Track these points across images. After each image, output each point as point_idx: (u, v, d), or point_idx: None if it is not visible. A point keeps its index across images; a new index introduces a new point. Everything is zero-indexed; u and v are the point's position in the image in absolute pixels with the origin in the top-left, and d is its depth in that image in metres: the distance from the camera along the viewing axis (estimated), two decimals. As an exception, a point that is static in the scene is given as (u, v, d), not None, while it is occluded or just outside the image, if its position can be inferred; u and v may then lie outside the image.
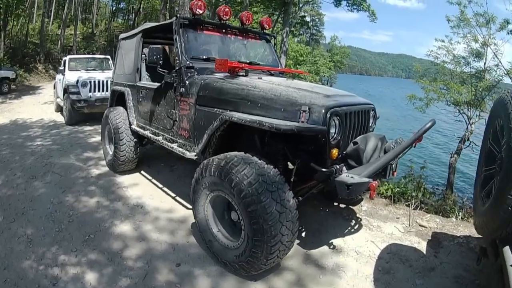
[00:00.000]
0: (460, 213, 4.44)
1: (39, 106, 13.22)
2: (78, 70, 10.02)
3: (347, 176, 2.42)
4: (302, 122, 2.36)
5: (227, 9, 3.76)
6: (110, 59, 11.41)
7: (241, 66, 3.31)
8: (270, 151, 2.96)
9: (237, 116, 2.62)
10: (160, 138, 3.93)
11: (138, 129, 4.50)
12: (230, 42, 4.19)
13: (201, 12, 3.56)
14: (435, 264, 3.11)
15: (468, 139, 10.56)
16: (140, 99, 4.38)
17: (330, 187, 2.59)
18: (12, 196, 4.69)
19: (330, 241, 3.40)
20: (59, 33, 27.27)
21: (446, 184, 12.14)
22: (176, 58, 3.43)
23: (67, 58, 10.80)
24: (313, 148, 2.66)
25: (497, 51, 10.95)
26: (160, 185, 4.89)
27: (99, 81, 8.66)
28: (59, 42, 26.68)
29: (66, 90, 8.77)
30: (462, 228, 3.93)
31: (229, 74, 3.25)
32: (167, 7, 27.08)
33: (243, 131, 2.96)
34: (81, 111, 8.64)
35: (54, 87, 11.76)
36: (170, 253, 3.26)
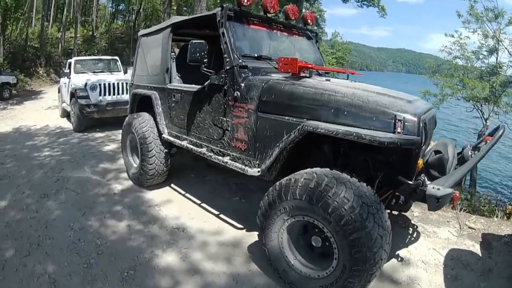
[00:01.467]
0: (500, 212, 4.80)
1: (43, 112, 12.79)
2: (85, 73, 9.77)
3: (433, 188, 2.31)
4: (399, 133, 2.23)
5: (273, 2, 3.48)
6: (118, 60, 11.10)
7: (309, 66, 3.09)
8: (346, 164, 2.80)
9: (324, 126, 2.40)
10: (204, 150, 3.59)
11: (171, 138, 4.14)
12: (277, 38, 3.96)
13: (249, 3, 3.33)
14: (491, 266, 3.18)
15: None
16: (173, 104, 4.04)
17: (415, 199, 2.60)
18: (23, 221, 4.04)
19: (397, 253, 3.30)
20: (59, 36, 28.32)
21: (470, 181, 11.89)
22: (225, 56, 3.15)
23: (72, 60, 10.43)
24: (399, 159, 2.54)
25: (508, 46, 11.32)
26: (197, 201, 4.41)
27: (109, 84, 8.34)
28: (60, 45, 27.64)
29: (73, 95, 8.44)
30: (505, 227, 4.03)
31: (291, 75, 3.02)
32: (172, 4, 26.71)
33: (314, 142, 2.79)
34: (90, 116, 8.40)
35: (59, 91, 11.38)
36: (233, 286, 2.81)
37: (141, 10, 36.46)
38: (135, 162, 4.85)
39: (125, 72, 10.32)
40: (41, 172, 5.79)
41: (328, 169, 2.42)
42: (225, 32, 3.17)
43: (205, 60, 3.15)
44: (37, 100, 16.73)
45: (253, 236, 3.39)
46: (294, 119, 2.63)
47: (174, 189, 4.80)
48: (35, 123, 10.32)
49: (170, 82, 4.17)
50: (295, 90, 2.71)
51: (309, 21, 4.13)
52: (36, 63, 24.56)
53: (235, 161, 3.17)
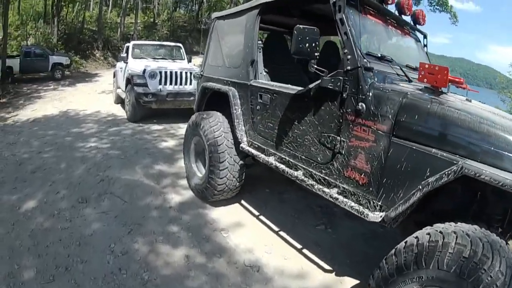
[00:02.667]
0: None
1: (95, 96, 13.36)
2: (144, 58, 10.18)
3: None
4: None
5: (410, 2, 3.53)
6: (182, 47, 11.41)
7: (460, 80, 2.83)
8: (481, 212, 2.65)
9: (489, 173, 2.16)
10: (299, 174, 3.31)
11: (253, 150, 3.94)
12: (392, 35, 3.82)
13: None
14: None
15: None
16: (259, 107, 3.88)
17: None
18: (52, 232, 3.76)
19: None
20: (119, 21, 31.66)
21: None
22: (345, 51, 2.92)
23: (130, 44, 10.86)
24: None
25: None
26: (275, 227, 4.09)
27: (171, 72, 8.65)
28: (119, 29, 31.00)
29: (129, 81, 8.76)
30: None
31: (428, 89, 2.83)
32: None
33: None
34: (147, 106, 8.57)
35: (114, 76, 11.99)
36: None
37: (204, 0, 40.73)
38: (199, 170, 4.73)
39: (189, 61, 10.77)
40: (83, 167, 5.61)
41: (478, 229, 2.26)
42: (344, 19, 2.95)
43: (316, 54, 2.96)
44: (91, 83, 17.71)
45: (345, 284, 3.20)
46: (445, 154, 2.39)
47: (245, 208, 4.51)
48: (85, 107, 10.65)
49: (256, 78, 4.00)
50: (447, 114, 2.45)
51: (421, 20, 4.02)
52: (93, 45, 27.06)
53: (347, 197, 2.89)
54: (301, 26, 2.91)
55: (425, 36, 4.34)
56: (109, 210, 4.23)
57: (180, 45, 11.52)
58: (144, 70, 8.47)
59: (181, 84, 8.70)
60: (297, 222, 4.23)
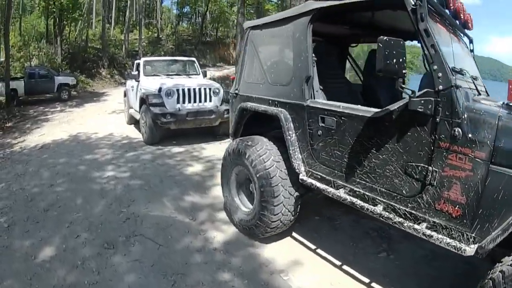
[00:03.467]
0: None
1: (106, 116, 12.89)
2: (157, 75, 9.75)
3: None
4: None
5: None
6: (196, 61, 10.92)
7: None
8: None
9: None
10: (379, 209, 3.01)
11: (315, 182, 3.57)
12: (452, 43, 3.49)
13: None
14: None
15: None
16: (321, 132, 3.55)
17: None
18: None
19: None
20: (123, 38, 32.04)
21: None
22: (434, 68, 2.66)
23: (141, 60, 10.36)
24: None
25: None
26: (336, 261, 3.74)
27: (189, 89, 8.22)
28: (123, 46, 31.23)
29: (144, 101, 8.38)
30: None
31: (508, 106, 2.67)
32: (245, 4, 27.38)
33: None
34: (166, 127, 8.07)
35: (125, 95, 11.50)
36: None
37: (207, 12, 41.72)
38: (244, 204, 4.30)
39: (204, 76, 10.36)
40: (103, 203, 5.00)
41: None
42: (429, 29, 2.70)
43: (404, 72, 2.68)
44: (100, 102, 17.31)
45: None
46: None
47: (299, 241, 4.08)
48: (97, 130, 10.12)
49: (312, 97, 3.65)
50: None
51: (470, 24, 3.81)
52: (98, 64, 26.98)
53: (437, 231, 2.71)
54: (385, 37, 2.62)
55: (471, 41, 4.13)
56: (143, 257, 3.61)
57: (194, 59, 11.00)
58: (160, 89, 8.08)
59: (200, 101, 8.26)
60: (357, 251, 3.90)
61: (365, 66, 5.00)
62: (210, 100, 8.28)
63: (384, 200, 3.02)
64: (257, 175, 3.76)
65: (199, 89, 8.22)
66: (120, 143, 8.42)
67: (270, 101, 4.01)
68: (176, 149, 7.79)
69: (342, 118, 3.28)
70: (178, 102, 7.99)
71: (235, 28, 47.61)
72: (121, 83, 25.38)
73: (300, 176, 3.63)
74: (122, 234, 4.10)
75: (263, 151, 3.80)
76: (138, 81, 9.44)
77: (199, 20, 45.98)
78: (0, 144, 9.87)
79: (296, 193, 3.78)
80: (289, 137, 3.69)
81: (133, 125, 10.59)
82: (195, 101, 8.17)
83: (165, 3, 52.64)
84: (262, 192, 3.74)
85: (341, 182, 3.37)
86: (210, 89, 8.30)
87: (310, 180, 3.56)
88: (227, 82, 15.98)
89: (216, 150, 7.67)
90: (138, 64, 10.18)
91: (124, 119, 11.48)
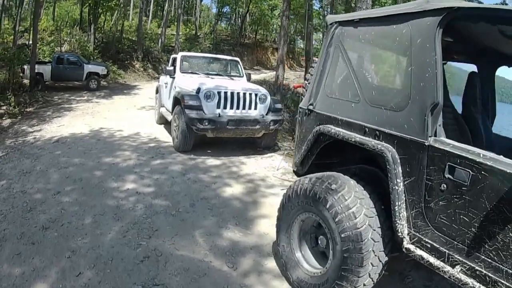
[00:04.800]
0: None
1: (134, 112, 11.98)
2: (195, 74, 8.80)
3: None
4: None
5: None
6: (240, 62, 9.86)
7: None
8: None
9: None
10: None
11: (422, 253, 2.77)
12: None
13: None
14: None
15: None
16: (445, 186, 2.65)
17: None
18: None
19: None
20: (159, 32, 32.21)
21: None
22: None
23: (178, 55, 9.33)
24: None
25: None
26: None
27: (232, 93, 7.20)
28: (159, 40, 31.00)
29: (178, 101, 7.44)
30: None
31: None
32: (291, 7, 27.00)
33: None
34: (201, 133, 7.02)
35: (157, 91, 10.54)
36: None
37: (247, 14, 41.76)
38: (308, 261, 3.39)
39: (248, 79, 9.36)
40: (117, 228, 3.96)
41: None
42: None
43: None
44: (129, 96, 16.53)
45: None
46: None
47: None
48: (122, 127, 9.17)
49: (436, 134, 2.84)
50: None
51: None
52: (132, 56, 26.59)
53: None
54: None
55: None
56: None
57: (238, 59, 9.94)
58: (199, 89, 7.05)
59: (244, 108, 7.19)
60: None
61: (465, 91, 4.13)
62: (255, 108, 7.22)
63: (509, 285, 2.46)
64: (342, 235, 2.92)
65: (244, 94, 7.18)
66: (146, 146, 7.39)
67: (366, 130, 3.12)
68: (211, 161, 6.71)
69: (482, 172, 2.52)
70: (218, 106, 6.99)
71: (275, 32, 47.76)
72: (154, 77, 24.89)
73: (405, 244, 2.84)
74: (137, 281, 3.08)
75: (352, 202, 2.93)
76: (173, 78, 8.55)
77: (238, 21, 46.26)
78: (14, 132, 9.15)
79: (385, 259, 2.99)
80: (396, 187, 2.84)
81: (163, 125, 9.64)
82: (237, 108, 7.14)
83: (205, 1, 53.62)
84: (346, 258, 2.92)
85: (458, 257, 2.69)
86: (256, 94, 7.25)
87: (419, 252, 2.76)
88: (264, 86, 14.95)
89: (258, 167, 6.56)
90: (175, 59, 9.22)
91: (154, 117, 10.56)
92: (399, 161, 2.90)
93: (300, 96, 4.24)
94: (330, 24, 3.66)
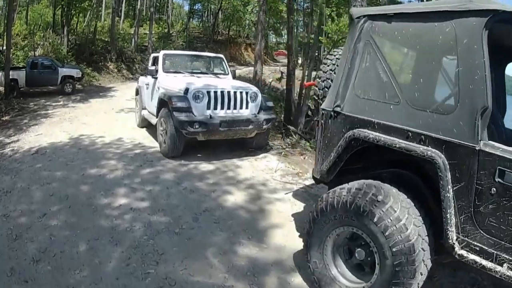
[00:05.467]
0: None
1: (113, 115, 11.26)
2: (179, 73, 8.17)
3: None
4: None
5: None
6: (224, 59, 9.24)
7: None
8: None
9: None
10: None
11: (472, 256, 2.68)
12: None
13: None
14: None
15: None
16: (495, 190, 2.60)
17: None
18: None
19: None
20: (132, 32, 31.73)
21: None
22: None
23: (160, 53, 8.59)
24: None
25: None
26: None
27: (222, 93, 6.65)
28: (132, 40, 30.57)
29: (164, 103, 6.86)
30: None
31: None
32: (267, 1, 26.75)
33: None
34: (192, 137, 6.47)
35: (137, 93, 9.77)
36: None
37: (220, 10, 41.55)
38: (345, 276, 3.12)
39: (234, 76, 8.75)
40: (117, 255, 3.43)
41: None
42: None
43: None
44: (106, 98, 15.76)
45: None
46: None
47: None
48: (103, 132, 8.49)
49: (485, 138, 2.72)
50: None
51: None
52: (105, 57, 25.77)
53: None
54: None
55: None
56: None
57: (222, 56, 9.31)
58: (187, 90, 6.46)
59: (235, 108, 6.66)
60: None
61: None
62: (247, 107, 6.71)
63: None
64: (393, 249, 2.72)
65: (235, 93, 6.64)
66: (131, 153, 6.78)
67: (410, 134, 2.88)
68: (205, 166, 6.17)
69: None
70: (208, 107, 6.44)
71: (247, 27, 47.32)
72: (128, 78, 24.30)
73: (457, 250, 2.74)
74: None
75: (401, 213, 2.72)
76: (156, 78, 7.84)
77: (210, 18, 45.94)
78: (-9, 143, 8.37)
79: (430, 266, 2.91)
80: (448, 194, 2.71)
81: (145, 128, 9.01)
82: (228, 108, 6.60)
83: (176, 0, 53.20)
84: (397, 271, 2.76)
85: (506, 256, 2.70)
86: (247, 93, 6.74)
87: (471, 257, 2.69)
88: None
89: (254, 170, 6.09)
90: (156, 58, 8.54)
91: (135, 120, 9.87)
92: (448, 167, 2.73)
93: (313, 96, 3.85)
94: (357, 17, 3.29)
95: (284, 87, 23.47)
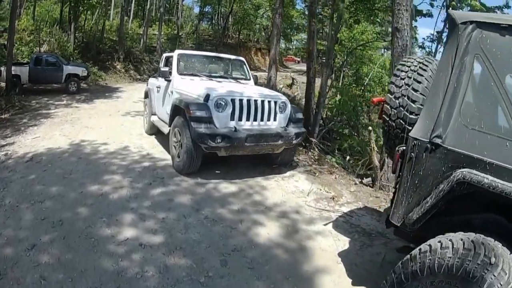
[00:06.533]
0: None
1: (118, 119, 10.42)
2: (196, 76, 7.08)
3: None
4: None
5: None
6: (245, 62, 8.18)
7: None
8: None
9: None
10: None
11: None
12: None
13: None
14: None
15: None
16: None
17: None
18: None
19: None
20: (141, 32, 31.16)
21: None
22: None
23: (175, 53, 7.49)
24: None
25: None
26: None
27: (248, 101, 5.68)
28: (141, 41, 30.00)
29: (179, 110, 5.95)
30: None
31: None
32: (284, 4, 26.12)
33: None
34: (212, 151, 5.52)
35: (146, 96, 8.83)
36: None
37: (230, 13, 40.89)
38: None
39: (256, 82, 7.75)
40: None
41: None
42: None
43: None
44: (111, 99, 14.90)
45: None
46: None
47: None
48: (106, 138, 7.66)
49: None
50: None
51: None
52: (113, 56, 25.11)
53: None
54: None
55: None
56: None
57: (243, 59, 8.27)
58: (207, 96, 5.49)
59: (262, 119, 5.71)
60: None
61: None
62: (275, 119, 5.79)
63: None
64: None
65: (262, 102, 5.70)
66: (139, 167, 5.88)
67: None
68: (226, 186, 5.26)
69: None
70: (232, 118, 5.50)
71: (258, 32, 46.76)
72: (136, 79, 23.67)
73: None
74: None
75: (511, 275, 2.25)
76: (169, 81, 6.93)
77: (220, 21, 45.71)
78: (-15, 145, 7.53)
79: None
80: None
81: (154, 136, 8.14)
82: (255, 119, 5.66)
83: (186, 1, 54.23)
84: None
85: None
86: (275, 102, 5.82)
87: None
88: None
89: (284, 192, 5.19)
90: (169, 58, 7.59)
91: (143, 126, 8.97)
92: None
93: (382, 114, 3.02)
94: (462, 23, 2.55)
95: (295, 94, 22.73)
